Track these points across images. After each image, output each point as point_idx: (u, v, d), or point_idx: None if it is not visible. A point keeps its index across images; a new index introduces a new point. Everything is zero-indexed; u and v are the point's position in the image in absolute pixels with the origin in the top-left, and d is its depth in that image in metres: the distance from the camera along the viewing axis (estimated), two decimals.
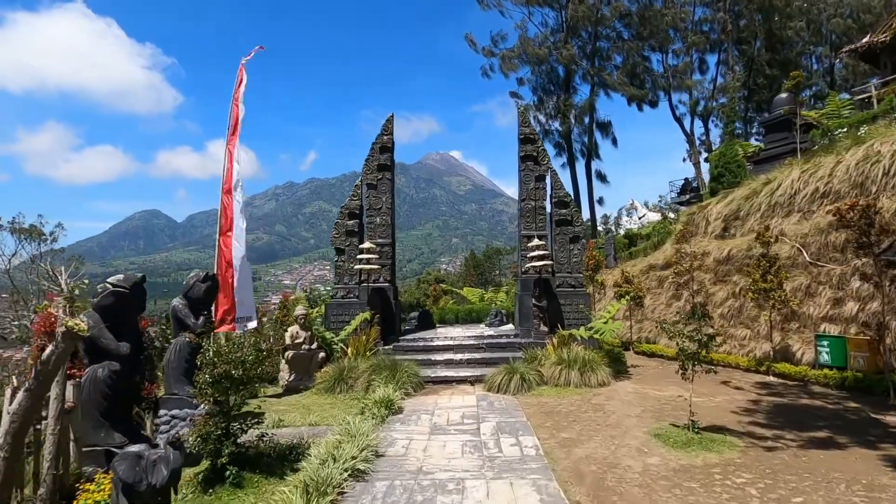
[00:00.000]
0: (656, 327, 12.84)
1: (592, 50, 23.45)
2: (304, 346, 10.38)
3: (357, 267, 11.61)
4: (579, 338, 10.27)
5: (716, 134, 30.71)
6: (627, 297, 10.73)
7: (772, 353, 9.97)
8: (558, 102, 22.97)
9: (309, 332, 10.63)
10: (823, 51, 29.20)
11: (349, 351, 10.43)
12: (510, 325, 13.84)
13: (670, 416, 7.06)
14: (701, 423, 6.31)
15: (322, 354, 10.54)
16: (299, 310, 10.74)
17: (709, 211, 13.52)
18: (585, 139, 24.16)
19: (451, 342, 11.51)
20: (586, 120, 23.85)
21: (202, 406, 5.14)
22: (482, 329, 13.27)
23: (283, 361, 10.35)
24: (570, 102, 23.15)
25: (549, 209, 12.45)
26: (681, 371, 6.27)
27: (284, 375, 10.32)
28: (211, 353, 5.03)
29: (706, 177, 27.92)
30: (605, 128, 24.89)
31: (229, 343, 5.29)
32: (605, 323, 10.56)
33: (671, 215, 21.41)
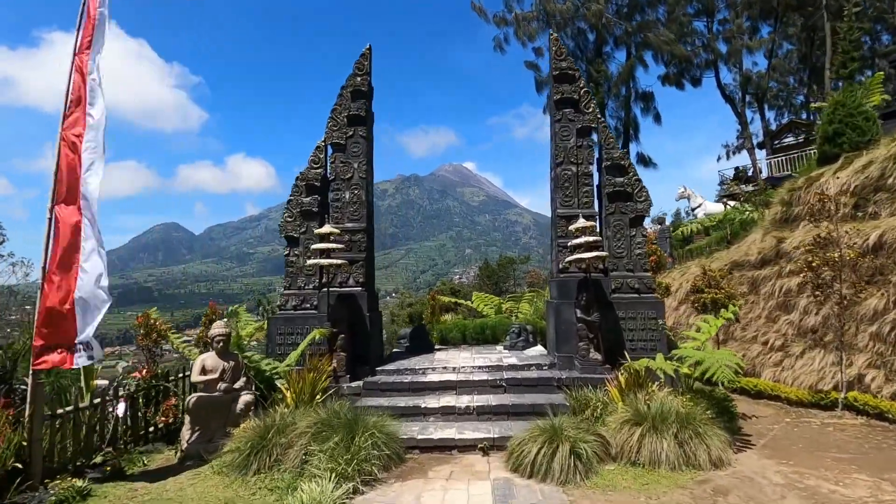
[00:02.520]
0: (763, 352, 8.68)
1: (630, 3, 19.41)
2: (219, 386, 6.54)
3: (311, 262, 7.76)
4: (661, 374, 6.21)
5: (771, 118, 26.48)
6: (734, 306, 6.72)
7: None
8: (588, 70, 19.01)
9: (233, 363, 6.79)
10: None
11: (287, 395, 6.55)
12: (539, 348, 9.82)
13: None
14: None
15: (246, 398, 6.66)
16: (217, 328, 6.90)
17: (825, 183, 9.36)
18: (622, 115, 20.13)
19: (452, 376, 7.54)
20: (623, 91, 19.89)
21: None
22: (499, 354, 9.27)
23: (185, 412, 6.53)
24: (603, 69, 19.11)
25: (596, 179, 8.50)
26: None
27: (185, 433, 6.47)
28: None
29: (763, 166, 23.61)
30: (647, 100, 20.74)
31: None
32: (701, 349, 6.50)
33: (732, 204, 17.15)
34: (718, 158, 32.59)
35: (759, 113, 24.94)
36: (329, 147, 8.68)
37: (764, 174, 22.69)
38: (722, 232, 13.18)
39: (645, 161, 21.87)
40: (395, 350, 10.16)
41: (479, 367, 7.86)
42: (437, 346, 10.32)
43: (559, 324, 7.89)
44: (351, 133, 8.57)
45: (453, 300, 13.84)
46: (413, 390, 7.30)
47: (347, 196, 8.48)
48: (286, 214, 8.60)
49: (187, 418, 6.45)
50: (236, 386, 6.70)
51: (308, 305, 8.34)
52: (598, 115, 8.50)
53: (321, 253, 7.65)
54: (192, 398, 6.37)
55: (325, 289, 8.01)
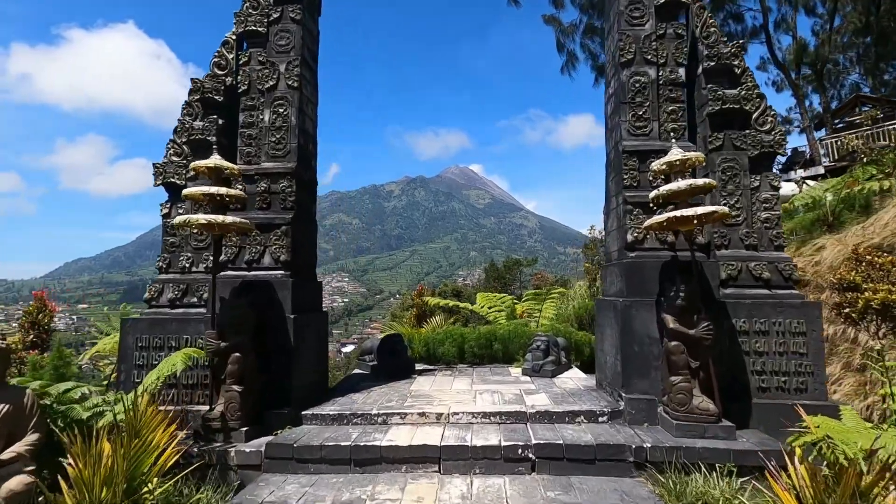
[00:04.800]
0: None
1: None
2: None
3: (178, 220, 4.24)
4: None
5: (815, 101, 22.84)
6: None
7: None
8: None
9: (6, 407, 3.40)
10: None
11: (67, 500, 3.10)
12: (576, 372, 6.35)
13: None
14: None
15: (15, 482, 3.25)
16: None
17: None
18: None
19: (434, 433, 4.08)
20: None
21: None
22: (517, 384, 5.81)
23: None
24: None
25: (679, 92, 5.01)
26: None
27: None
28: None
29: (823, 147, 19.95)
30: None
31: None
32: None
33: (812, 183, 13.64)
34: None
35: (815, 88, 21.29)
36: (244, 42, 5.28)
37: (825, 159, 19.08)
38: (818, 212, 9.66)
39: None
40: (354, 372, 6.72)
41: (485, 415, 4.40)
42: (419, 367, 6.85)
43: (628, 339, 4.41)
44: (277, 16, 5.15)
45: (451, 302, 10.20)
46: (359, 464, 3.84)
47: (267, 118, 5.05)
48: (169, 149, 5.20)
49: None
50: (4, 456, 3.32)
51: (194, 299, 4.93)
52: None
53: (208, 203, 4.22)
54: None
55: (216, 272, 4.57)
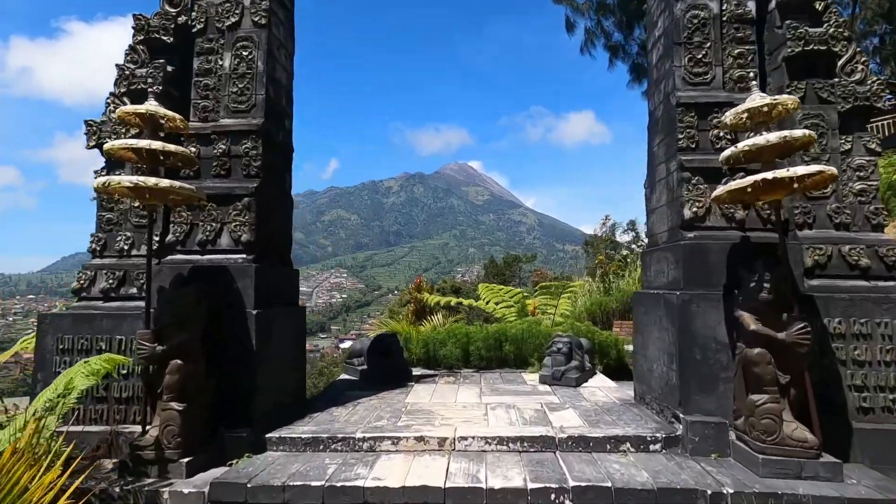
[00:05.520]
0: None
1: None
2: None
3: (100, 181, 3.24)
4: None
5: None
6: None
7: None
8: None
9: None
10: None
11: None
12: (603, 380, 5.35)
13: None
14: None
15: None
16: None
17: None
18: None
19: (436, 465, 3.09)
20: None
21: None
22: (536, 395, 4.81)
23: None
24: None
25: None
26: None
27: None
28: None
29: None
30: None
31: None
32: None
33: None
34: None
35: None
36: None
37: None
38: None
39: None
40: (340, 378, 5.72)
41: (502, 440, 3.40)
42: (417, 373, 5.85)
43: (687, 344, 3.41)
44: None
45: (452, 299, 9.08)
46: None
47: (228, 63, 4.02)
48: (108, 104, 4.17)
49: None
50: None
51: (133, 290, 3.92)
52: None
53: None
54: None
55: (162, 256, 3.56)
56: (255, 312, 3.61)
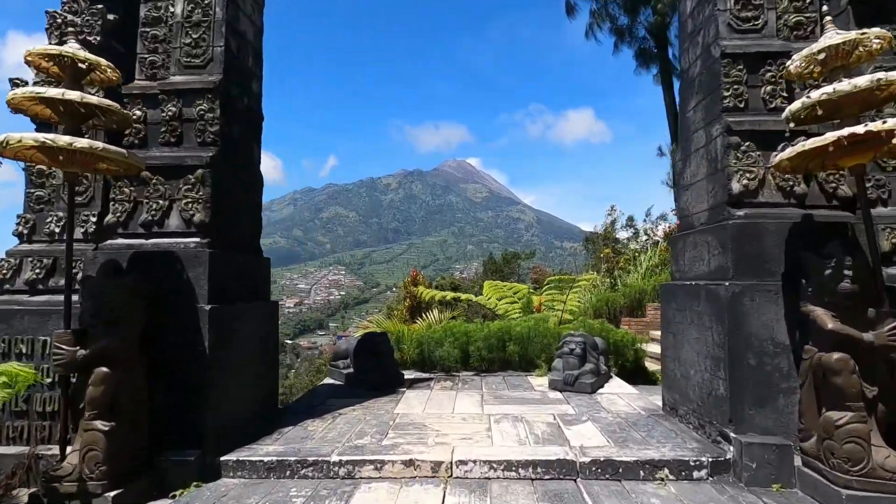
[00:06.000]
0: None
1: None
2: None
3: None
4: None
5: None
6: None
7: None
8: None
9: None
10: None
11: None
12: (620, 384, 4.71)
13: None
14: None
15: None
16: None
17: None
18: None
19: (431, 488, 2.44)
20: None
21: None
22: (548, 405, 4.17)
23: None
24: None
25: None
26: None
27: None
28: None
29: None
30: None
31: None
32: None
33: None
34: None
35: None
36: None
37: None
38: None
39: None
40: (323, 383, 5.07)
41: (510, 465, 2.76)
42: (410, 376, 5.20)
43: (739, 347, 2.77)
44: None
45: (449, 294, 8.36)
46: None
47: (180, 9, 3.35)
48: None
49: None
50: None
51: (51, 281, 3.26)
52: None
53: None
54: None
55: (121, 240, 2.90)
56: (208, 308, 2.96)
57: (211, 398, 2.93)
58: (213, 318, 2.98)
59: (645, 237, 13.66)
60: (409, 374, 5.25)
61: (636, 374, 5.42)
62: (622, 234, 15.30)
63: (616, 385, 4.76)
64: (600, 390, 4.51)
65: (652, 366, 5.94)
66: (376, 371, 4.59)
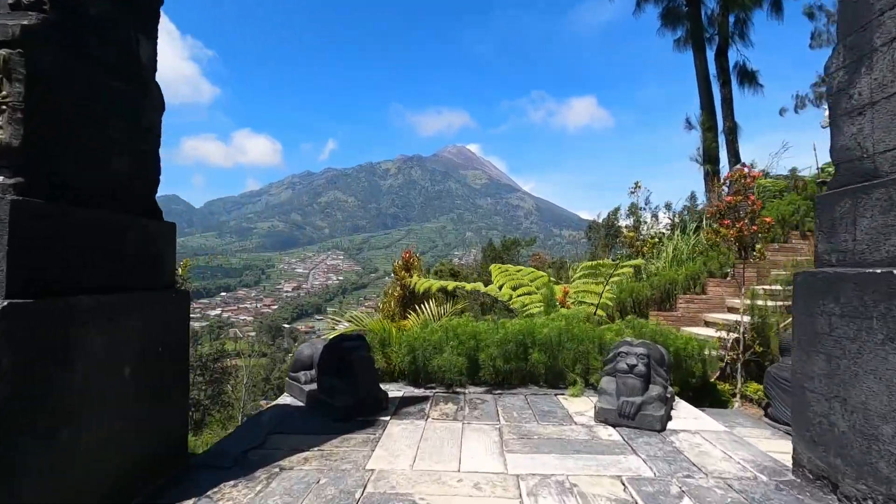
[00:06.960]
0: None
1: None
2: None
3: None
4: None
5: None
6: None
7: None
8: None
9: None
10: None
11: None
12: (695, 418, 3.30)
13: None
14: None
15: None
16: None
17: None
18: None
19: None
20: None
21: None
22: (602, 455, 2.77)
23: None
24: None
25: None
26: None
27: None
28: None
29: None
30: None
31: None
32: None
33: None
34: (782, 111, 25.31)
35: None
36: None
37: None
38: None
39: (749, 77, 13.21)
40: (276, 403, 3.65)
41: None
42: (396, 394, 3.80)
43: None
44: None
45: (449, 283, 6.59)
46: None
47: None
48: None
49: None
50: None
51: None
52: None
53: None
54: None
55: None
56: (3, 305, 1.53)
57: (14, 468, 1.52)
58: (18, 326, 1.55)
59: (673, 220, 12.16)
60: (396, 391, 3.86)
61: (702, 393, 4.04)
62: (646, 216, 13.88)
63: (685, 412, 3.37)
64: (669, 424, 3.13)
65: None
66: (347, 391, 3.18)
